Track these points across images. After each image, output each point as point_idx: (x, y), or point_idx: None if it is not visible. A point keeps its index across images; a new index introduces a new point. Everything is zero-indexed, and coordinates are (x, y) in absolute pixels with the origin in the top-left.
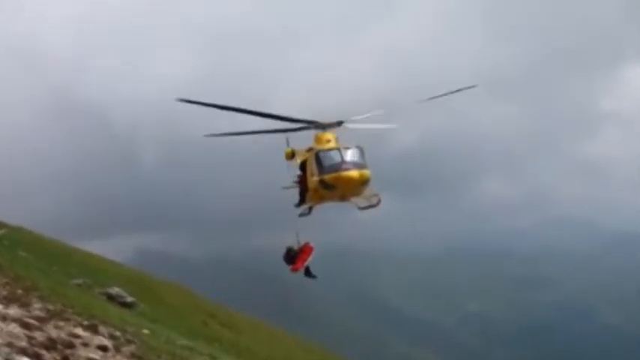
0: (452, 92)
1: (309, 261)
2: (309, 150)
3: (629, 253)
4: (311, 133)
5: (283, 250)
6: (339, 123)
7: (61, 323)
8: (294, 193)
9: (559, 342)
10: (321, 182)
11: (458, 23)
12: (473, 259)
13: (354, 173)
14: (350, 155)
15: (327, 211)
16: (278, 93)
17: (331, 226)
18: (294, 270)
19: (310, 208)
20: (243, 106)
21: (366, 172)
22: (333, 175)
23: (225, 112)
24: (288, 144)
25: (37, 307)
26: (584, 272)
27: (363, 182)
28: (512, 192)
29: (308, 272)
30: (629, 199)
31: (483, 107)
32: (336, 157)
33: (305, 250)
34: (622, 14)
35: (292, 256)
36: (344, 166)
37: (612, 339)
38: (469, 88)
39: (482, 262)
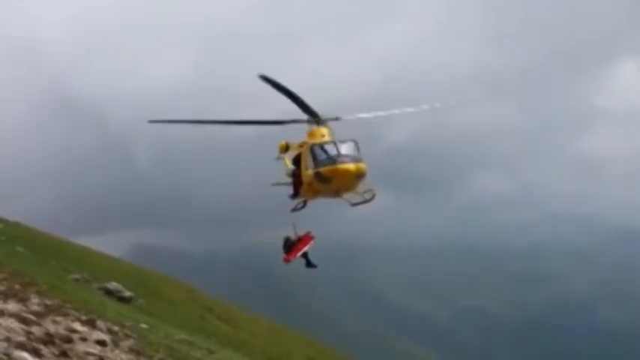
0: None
1: (307, 250)
2: (303, 144)
3: (628, 249)
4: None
5: (282, 242)
6: (329, 120)
7: (59, 318)
8: (290, 188)
9: (558, 338)
10: (316, 175)
11: (456, 23)
12: (471, 255)
13: (350, 166)
14: (346, 148)
15: (324, 205)
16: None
17: (328, 220)
18: (286, 260)
19: (304, 203)
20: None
21: (363, 165)
22: (330, 167)
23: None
24: (278, 147)
25: (34, 302)
26: (583, 268)
27: (360, 175)
28: (510, 188)
29: (308, 262)
30: (628, 195)
31: (480, 105)
32: (331, 150)
33: (303, 240)
34: (616, 12)
35: (289, 246)
36: (340, 158)
37: (612, 335)
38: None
39: (481, 258)
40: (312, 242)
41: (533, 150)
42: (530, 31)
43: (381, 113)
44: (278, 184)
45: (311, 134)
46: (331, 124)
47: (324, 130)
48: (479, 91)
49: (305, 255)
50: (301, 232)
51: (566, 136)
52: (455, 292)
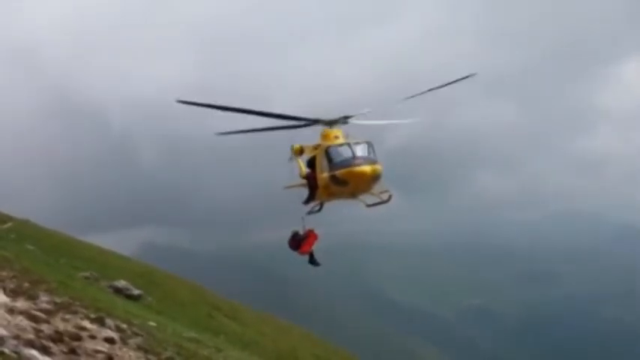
0: (451, 83)
1: (313, 248)
2: (317, 146)
3: (631, 247)
4: (310, 132)
5: (288, 239)
6: (346, 118)
7: (68, 316)
8: (298, 189)
9: (561, 337)
10: (332, 178)
11: (455, 23)
12: (475, 254)
13: (366, 168)
14: (361, 150)
15: (327, 205)
16: (278, 92)
17: (333, 219)
18: (303, 252)
19: (321, 205)
20: (245, 107)
21: (378, 167)
22: (345, 170)
23: (220, 111)
24: (292, 150)
25: (44, 300)
26: (586, 266)
27: (375, 177)
28: (513, 187)
29: (312, 259)
30: (630, 193)
31: (482, 105)
32: (346, 152)
33: (310, 235)
34: (617, 12)
35: (298, 241)
36: (356, 161)
37: (615, 333)
38: (468, 77)
39: (484, 257)
40: (316, 239)
41: (534, 149)
42: (530, 31)
43: (395, 122)
44: (290, 187)
45: (325, 136)
46: (340, 126)
47: (337, 132)
48: (478, 92)
49: (310, 252)
50: (306, 229)
51: (567, 136)
52: (458, 292)
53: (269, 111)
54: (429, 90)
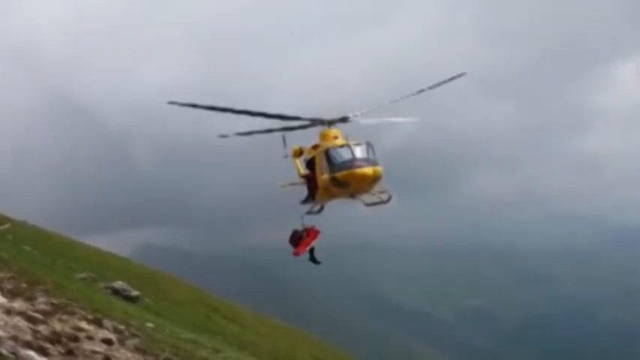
0: (440, 83)
1: (314, 245)
2: (316, 147)
3: (631, 248)
4: (309, 130)
5: (289, 235)
6: (344, 119)
7: (66, 317)
8: (295, 189)
9: (560, 337)
10: (333, 180)
11: (455, 23)
12: (475, 254)
13: (367, 170)
14: (361, 152)
15: (328, 205)
16: (278, 92)
17: (332, 220)
18: (296, 254)
19: (321, 207)
20: (238, 107)
21: (379, 168)
22: (346, 172)
23: (218, 112)
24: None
25: (41, 301)
26: (585, 267)
27: (376, 179)
28: (513, 188)
29: (313, 257)
30: (630, 194)
31: (482, 105)
32: (346, 154)
33: (310, 233)
34: (617, 12)
35: (297, 239)
36: (356, 163)
37: (614, 335)
38: (458, 76)
39: (484, 258)
40: (318, 236)
41: (533, 150)
42: (530, 31)
43: (394, 120)
44: (286, 185)
45: (324, 136)
46: (339, 125)
47: (336, 132)
48: (477, 92)
49: (311, 250)
50: (307, 226)
51: (567, 136)
52: (458, 292)
53: (267, 112)
54: (420, 91)
